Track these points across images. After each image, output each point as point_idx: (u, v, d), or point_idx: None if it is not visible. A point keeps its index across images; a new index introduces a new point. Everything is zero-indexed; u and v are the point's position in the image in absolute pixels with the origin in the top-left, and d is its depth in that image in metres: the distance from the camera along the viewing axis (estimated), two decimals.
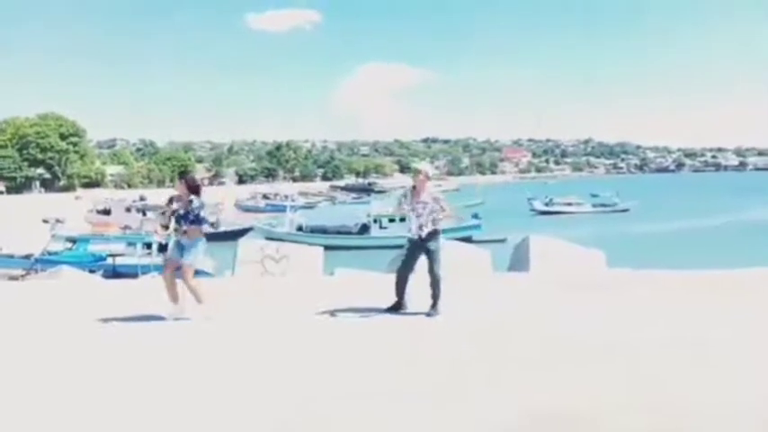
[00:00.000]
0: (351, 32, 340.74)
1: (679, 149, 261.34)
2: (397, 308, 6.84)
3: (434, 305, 6.70)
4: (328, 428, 3.73)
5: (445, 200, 6.95)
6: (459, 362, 4.99)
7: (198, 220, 6.75)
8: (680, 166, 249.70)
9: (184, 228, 6.68)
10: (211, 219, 33.80)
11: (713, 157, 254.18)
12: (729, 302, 7.10)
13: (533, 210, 59.23)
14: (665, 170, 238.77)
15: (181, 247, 6.72)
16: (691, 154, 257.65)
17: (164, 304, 6.80)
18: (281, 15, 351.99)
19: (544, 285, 8.46)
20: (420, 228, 6.70)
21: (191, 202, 6.67)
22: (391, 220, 36.64)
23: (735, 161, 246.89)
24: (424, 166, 7.07)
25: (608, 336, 5.69)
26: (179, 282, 6.76)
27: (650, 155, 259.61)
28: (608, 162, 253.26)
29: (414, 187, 6.84)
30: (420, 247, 6.76)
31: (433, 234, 6.72)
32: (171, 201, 6.87)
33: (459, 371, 4.75)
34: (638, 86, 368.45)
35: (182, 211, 6.67)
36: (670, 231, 38.90)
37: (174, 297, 6.78)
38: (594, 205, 62.08)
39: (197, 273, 6.98)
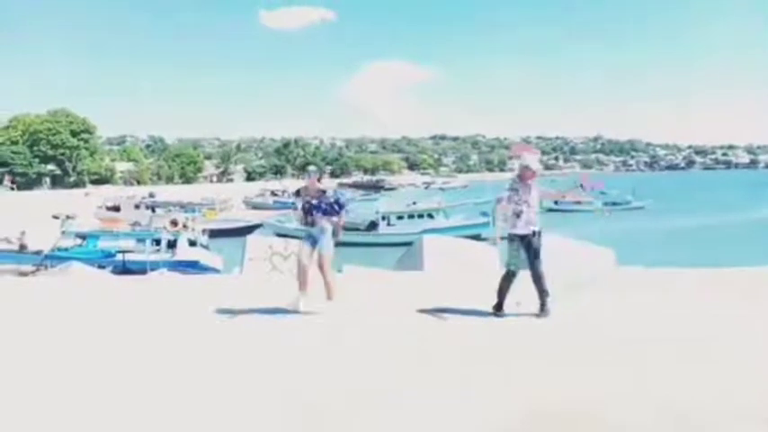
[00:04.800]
0: (361, 30, 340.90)
1: (689, 147, 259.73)
2: (499, 308, 6.60)
3: (545, 304, 6.51)
4: (332, 425, 3.72)
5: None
6: (466, 360, 4.97)
7: (329, 211, 6.86)
8: (690, 163, 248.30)
9: (316, 218, 6.84)
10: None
11: (724, 154, 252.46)
12: (741, 301, 7.03)
13: (542, 207, 58.84)
14: (675, 168, 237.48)
15: (312, 238, 6.87)
16: (701, 151, 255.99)
17: (291, 296, 6.90)
18: (294, 12, 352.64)
19: (552, 284, 8.41)
20: (530, 224, 6.64)
21: (324, 191, 6.88)
22: (399, 218, 36.66)
23: (746, 158, 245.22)
24: (531, 160, 6.97)
25: (616, 335, 5.64)
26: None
27: (660, 152, 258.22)
28: (617, 159, 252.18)
29: (524, 182, 6.76)
30: (529, 243, 6.62)
31: (539, 232, 6.66)
32: (298, 192, 7.06)
33: (466, 369, 4.72)
34: (649, 84, 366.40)
35: (314, 202, 6.82)
36: (681, 229, 38.69)
37: (304, 286, 6.85)
38: (605, 203, 61.65)
39: (204, 269, 7.05)
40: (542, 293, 6.52)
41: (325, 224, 6.84)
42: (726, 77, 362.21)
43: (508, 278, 6.57)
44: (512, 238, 6.64)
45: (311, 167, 7.13)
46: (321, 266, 6.81)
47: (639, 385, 4.25)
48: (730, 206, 55.39)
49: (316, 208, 6.83)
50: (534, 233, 6.62)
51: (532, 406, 3.91)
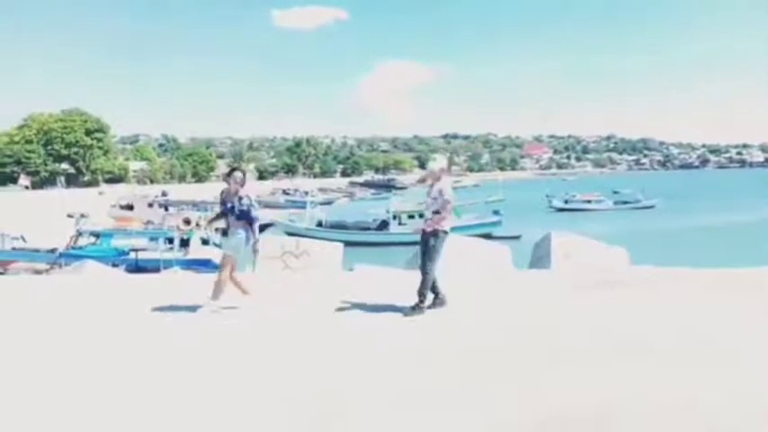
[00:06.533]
0: (374, 29, 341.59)
1: (703, 146, 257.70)
2: (438, 303, 6.77)
3: (417, 305, 6.59)
4: (332, 426, 3.73)
5: (449, 201, 6.70)
6: (474, 361, 4.96)
7: (243, 215, 6.93)
8: (704, 162, 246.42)
9: (234, 222, 6.92)
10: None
11: (738, 153, 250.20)
12: (754, 301, 6.96)
13: (552, 207, 58.83)
14: (688, 166, 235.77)
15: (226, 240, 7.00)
16: (715, 150, 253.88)
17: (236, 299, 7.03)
18: (307, 12, 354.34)
19: (567, 283, 8.39)
20: (426, 223, 6.74)
21: (241, 198, 6.92)
22: (410, 217, 36.65)
23: (760, 157, 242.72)
24: (432, 161, 7.02)
25: (631, 334, 5.60)
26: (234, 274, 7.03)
27: (674, 151, 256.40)
28: (630, 158, 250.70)
29: (431, 183, 6.85)
30: (422, 241, 6.74)
31: (433, 233, 6.67)
32: (221, 195, 7.11)
33: (480, 369, 4.72)
34: (662, 82, 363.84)
35: (229, 206, 6.91)
36: (694, 228, 38.36)
37: (245, 291, 7.01)
38: (616, 202, 61.43)
39: (217, 267, 7.14)
40: (419, 293, 6.59)
41: (242, 229, 6.93)
42: (740, 76, 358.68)
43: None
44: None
45: (236, 173, 7.10)
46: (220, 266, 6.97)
47: (653, 387, 4.22)
48: (744, 206, 54.88)
49: (231, 211, 6.92)
50: (426, 232, 6.70)
51: (542, 409, 3.90)
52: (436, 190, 6.74)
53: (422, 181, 6.83)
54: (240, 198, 6.91)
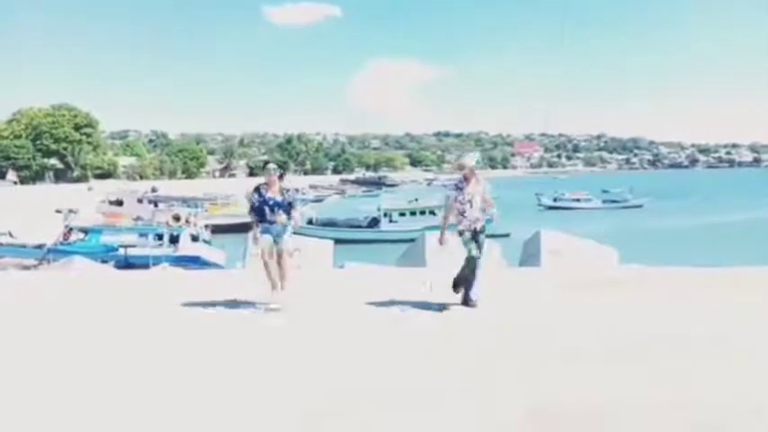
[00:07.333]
0: (366, 27, 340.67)
1: (693, 145, 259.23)
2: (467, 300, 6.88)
3: (469, 299, 6.81)
4: (332, 426, 3.72)
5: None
6: (470, 359, 4.96)
7: (291, 204, 7.06)
8: (694, 162, 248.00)
9: (278, 215, 6.91)
10: None
11: (727, 153, 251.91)
12: (744, 299, 7.01)
13: (541, 205, 58.97)
14: (678, 166, 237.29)
15: (272, 235, 6.93)
16: (704, 150, 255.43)
17: (260, 294, 7.05)
18: (299, 8, 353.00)
19: (557, 281, 8.41)
20: (473, 221, 6.76)
21: (288, 190, 7.06)
22: (401, 214, 36.64)
23: (749, 157, 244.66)
24: (468, 158, 7.06)
25: (624, 333, 5.63)
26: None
27: (663, 150, 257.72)
28: (620, 157, 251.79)
29: (467, 181, 6.83)
30: (475, 235, 6.80)
31: (483, 229, 6.85)
32: (258, 190, 7.05)
33: (476, 368, 4.71)
34: (652, 81, 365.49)
35: (279, 199, 6.93)
36: (682, 228, 38.59)
37: (276, 284, 6.99)
38: (605, 201, 61.68)
39: (206, 264, 7.11)
40: (468, 287, 6.79)
41: (286, 220, 7.01)
42: (730, 76, 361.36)
43: (469, 265, 6.80)
44: (461, 232, 6.85)
45: (271, 165, 7.12)
46: (280, 261, 7.00)
47: (651, 385, 4.24)
48: (732, 205, 55.25)
49: (279, 205, 6.93)
50: (476, 230, 6.78)
51: (541, 406, 3.89)
52: (483, 187, 6.85)
53: (465, 178, 6.83)
54: (287, 190, 7.05)
